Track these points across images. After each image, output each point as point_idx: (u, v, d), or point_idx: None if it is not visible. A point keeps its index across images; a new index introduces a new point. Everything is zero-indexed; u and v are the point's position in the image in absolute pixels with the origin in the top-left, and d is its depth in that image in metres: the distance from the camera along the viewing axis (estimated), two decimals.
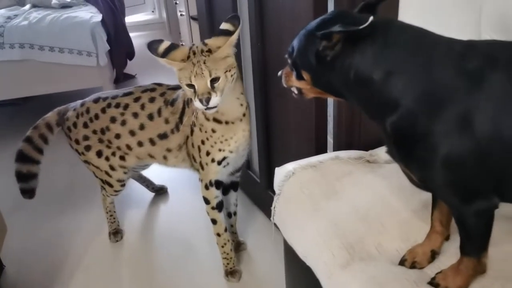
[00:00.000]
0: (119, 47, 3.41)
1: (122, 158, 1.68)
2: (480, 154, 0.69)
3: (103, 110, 1.61)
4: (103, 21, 3.01)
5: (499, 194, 0.73)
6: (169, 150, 1.59)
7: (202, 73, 1.25)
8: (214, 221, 1.63)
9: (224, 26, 1.32)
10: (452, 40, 0.74)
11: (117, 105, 1.60)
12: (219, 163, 1.50)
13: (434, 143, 0.70)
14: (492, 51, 0.72)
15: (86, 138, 1.67)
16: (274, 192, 1.24)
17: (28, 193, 1.82)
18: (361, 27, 0.69)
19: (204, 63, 1.25)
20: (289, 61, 0.86)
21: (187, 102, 1.49)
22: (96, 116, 1.63)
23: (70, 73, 2.93)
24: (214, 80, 1.26)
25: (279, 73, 0.92)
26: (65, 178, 2.46)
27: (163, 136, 1.56)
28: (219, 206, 1.61)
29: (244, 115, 1.46)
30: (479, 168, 0.70)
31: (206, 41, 1.32)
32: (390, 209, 1.02)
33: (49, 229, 2.09)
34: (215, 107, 1.29)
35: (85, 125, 1.65)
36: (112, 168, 1.70)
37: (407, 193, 1.04)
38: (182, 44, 3.71)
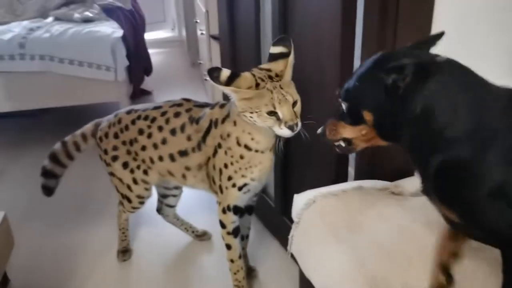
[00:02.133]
0: (138, 63, 3.41)
1: (145, 172, 1.65)
2: None
3: (133, 122, 1.60)
4: (123, 37, 3.02)
5: None
6: (188, 168, 1.55)
7: (286, 99, 1.21)
8: (229, 247, 1.58)
9: (277, 49, 1.28)
10: (501, 86, 0.76)
11: (146, 118, 1.58)
12: (240, 188, 1.45)
13: (483, 179, 0.69)
14: None
15: (115, 148, 1.65)
16: (289, 218, 1.19)
17: (47, 190, 1.86)
18: (437, 59, 0.73)
19: (281, 88, 1.21)
20: (344, 106, 0.85)
21: (215, 123, 1.44)
22: (127, 127, 1.61)
23: (88, 87, 2.93)
24: (294, 104, 1.23)
25: (319, 130, 0.91)
26: (76, 194, 2.43)
27: (183, 153, 1.52)
28: (235, 232, 1.56)
29: (273, 145, 1.42)
30: None
31: (264, 66, 1.28)
32: (417, 244, 0.97)
33: (56, 244, 2.05)
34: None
35: (116, 136, 1.64)
36: (134, 181, 1.67)
37: (435, 228, 0.98)
38: (200, 63, 3.73)
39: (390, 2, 1.17)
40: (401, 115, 0.77)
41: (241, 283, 1.64)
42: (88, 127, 1.79)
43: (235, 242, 1.57)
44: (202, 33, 3.45)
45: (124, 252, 1.93)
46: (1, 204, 1.73)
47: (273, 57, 1.28)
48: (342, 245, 1.00)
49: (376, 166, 1.34)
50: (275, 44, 1.29)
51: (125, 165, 1.66)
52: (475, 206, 0.71)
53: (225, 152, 1.42)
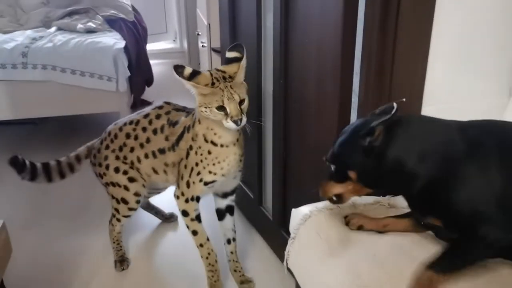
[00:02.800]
0: (139, 74, 3.44)
1: (138, 171, 1.75)
2: (493, 194, 0.86)
3: (120, 129, 1.75)
4: (126, 48, 3.05)
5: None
6: (166, 164, 1.68)
7: (233, 97, 1.38)
8: (195, 232, 1.69)
9: (231, 54, 1.46)
10: (456, 121, 0.95)
11: (131, 122, 1.73)
12: (206, 183, 1.59)
13: (455, 189, 0.87)
14: (486, 124, 0.94)
15: (106, 158, 1.77)
16: (286, 232, 1.21)
17: (31, 173, 1.92)
18: (392, 113, 0.91)
19: (231, 87, 1.39)
20: (332, 167, 1.01)
21: (188, 129, 1.58)
22: (116, 136, 1.75)
23: (89, 97, 2.95)
24: (241, 102, 1.41)
25: (320, 194, 1.06)
26: (74, 203, 2.44)
27: (162, 151, 1.67)
28: (198, 218, 1.68)
29: (237, 140, 1.55)
30: (496, 202, 0.86)
31: (221, 68, 1.46)
32: (409, 256, 0.98)
33: (54, 253, 2.06)
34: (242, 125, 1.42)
35: (107, 147, 1.77)
36: (131, 180, 1.76)
37: (427, 241, 1.01)
38: None
39: (389, 21, 1.20)
40: (379, 168, 0.94)
41: (214, 267, 1.73)
42: (81, 150, 1.92)
43: (200, 227, 1.69)
44: (203, 45, 3.48)
45: (122, 262, 1.94)
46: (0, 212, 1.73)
47: (228, 61, 1.46)
48: (337, 259, 1.01)
49: None
50: (230, 50, 1.48)
51: (116, 170, 1.76)
52: (454, 210, 0.88)
53: (196, 152, 1.56)
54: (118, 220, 1.87)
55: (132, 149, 1.72)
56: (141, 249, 2.09)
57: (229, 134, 1.51)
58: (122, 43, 3.04)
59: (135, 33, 3.53)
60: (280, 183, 1.81)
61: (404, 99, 1.02)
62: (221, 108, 1.39)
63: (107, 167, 1.77)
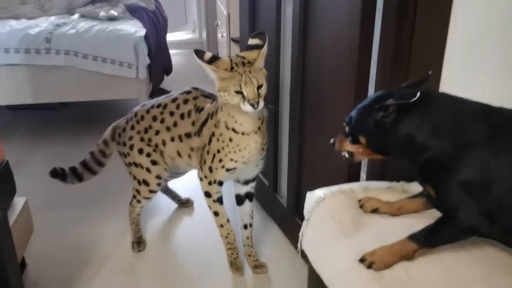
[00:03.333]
0: (158, 62, 3.48)
1: (161, 154, 1.80)
2: (486, 186, 0.87)
3: (148, 111, 1.79)
4: (146, 36, 3.09)
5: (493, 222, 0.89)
6: (191, 149, 1.72)
7: (251, 81, 1.41)
8: (216, 213, 1.75)
9: (253, 41, 1.49)
10: (483, 103, 0.95)
11: (159, 106, 1.77)
12: (228, 170, 1.63)
13: (455, 171, 0.90)
14: None
15: (130, 138, 1.82)
16: (300, 218, 1.24)
17: (62, 174, 2.01)
18: (411, 100, 0.92)
19: (250, 72, 1.42)
20: (347, 128, 1.06)
21: (211, 115, 1.62)
22: (142, 118, 1.79)
23: (109, 83, 3.01)
24: (259, 87, 1.43)
25: (332, 140, 1.12)
26: (94, 186, 2.49)
27: (188, 135, 1.71)
28: (220, 200, 1.73)
29: (259, 128, 1.57)
30: (484, 197, 0.88)
31: (241, 54, 1.49)
32: None
33: (74, 232, 2.12)
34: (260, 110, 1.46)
35: (132, 127, 1.82)
36: (153, 162, 1.81)
37: None
38: None
39: (407, 12, 1.21)
40: (388, 140, 0.99)
41: (233, 245, 1.80)
42: (107, 133, 1.98)
43: (221, 208, 1.74)
44: (222, 36, 3.51)
45: (139, 243, 1.99)
46: (22, 191, 1.79)
47: (249, 48, 1.49)
48: (349, 240, 1.04)
49: (386, 171, 1.38)
50: (252, 37, 1.50)
51: (140, 151, 1.80)
52: (447, 185, 0.91)
53: (217, 139, 1.59)
54: (138, 201, 1.92)
55: (157, 132, 1.76)
56: (158, 232, 2.14)
57: (250, 122, 1.53)
58: (142, 31, 3.09)
59: (156, 22, 3.57)
60: (295, 171, 1.84)
61: (430, 72, 1.05)
62: (239, 92, 1.42)
63: (131, 147, 1.81)
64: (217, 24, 3.83)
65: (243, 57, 1.46)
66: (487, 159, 0.88)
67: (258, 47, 1.47)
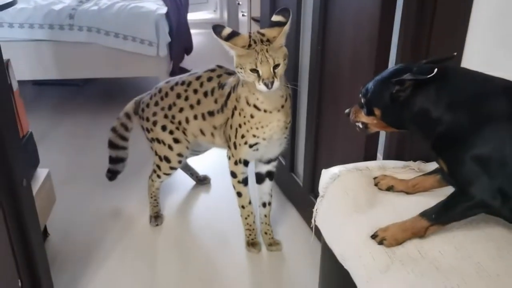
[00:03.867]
0: (179, 41, 3.50)
1: (183, 132, 1.81)
2: (500, 165, 0.86)
3: (172, 88, 1.79)
4: (167, 14, 3.11)
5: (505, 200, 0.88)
6: (215, 127, 1.73)
7: (267, 60, 1.39)
8: (239, 194, 1.77)
9: (276, 18, 1.46)
10: (507, 80, 0.92)
11: (183, 83, 1.77)
12: (251, 146, 1.63)
13: (470, 144, 0.88)
14: None
15: (154, 114, 1.82)
16: (316, 197, 1.24)
17: (112, 173, 2.13)
18: (427, 76, 0.91)
19: (267, 51, 1.39)
20: (362, 100, 1.06)
21: (233, 88, 1.61)
22: (166, 94, 1.80)
23: (130, 60, 3.04)
24: (275, 67, 1.41)
25: (347, 110, 1.12)
26: None
27: (211, 114, 1.71)
28: (245, 181, 1.75)
29: (282, 106, 1.56)
30: (498, 173, 0.86)
31: (261, 31, 1.46)
32: None
33: (95, 205, 2.17)
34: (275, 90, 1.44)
35: (156, 104, 1.82)
36: (176, 141, 1.83)
37: None
38: None
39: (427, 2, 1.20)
40: (402, 114, 0.98)
41: (251, 226, 1.83)
42: (129, 106, 1.98)
43: (245, 190, 1.77)
44: (243, 15, 3.50)
45: (156, 218, 2.04)
46: (44, 163, 1.83)
47: (271, 24, 1.46)
48: (362, 216, 1.04)
49: (403, 153, 1.37)
50: (276, 13, 1.47)
51: (163, 128, 1.81)
52: (461, 161, 0.90)
53: (239, 114, 1.59)
54: (159, 176, 1.95)
55: (181, 110, 1.76)
56: (175, 208, 2.18)
57: (272, 100, 1.53)
58: (164, 9, 3.10)
59: (177, 1, 3.58)
60: (312, 150, 1.85)
61: (455, 53, 1.04)
62: (254, 70, 1.41)
63: (154, 123, 1.82)
64: (238, 3, 3.81)
65: (263, 34, 1.43)
66: (507, 137, 0.86)
67: (280, 24, 1.44)
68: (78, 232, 1.99)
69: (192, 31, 4.02)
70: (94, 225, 2.03)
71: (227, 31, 1.43)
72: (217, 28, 1.42)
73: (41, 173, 1.77)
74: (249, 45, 1.41)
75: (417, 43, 1.26)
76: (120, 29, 2.94)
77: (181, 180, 2.35)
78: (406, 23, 1.25)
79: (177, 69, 3.68)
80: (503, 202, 0.88)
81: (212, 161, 2.47)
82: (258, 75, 1.41)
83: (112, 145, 2.05)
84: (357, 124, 1.10)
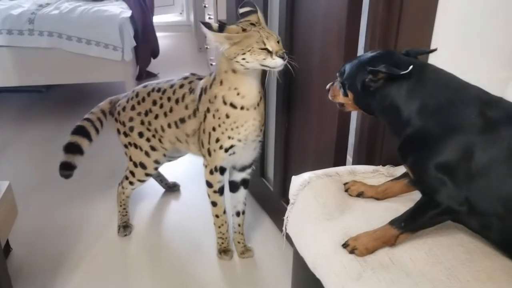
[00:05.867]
0: (145, 45, 3.44)
1: (160, 140, 1.77)
2: (466, 175, 0.86)
3: (149, 94, 1.75)
4: (132, 18, 3.04)
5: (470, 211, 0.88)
6: (187, 135, 1.69)
7: (272, 35, 1.40)
8: (214, 204, 1.74)
9: (245, 9, 1.48)
10: (483, 90, 0.92)
11: (159, 90, 1.73)
12: (226, 150, 1.59)
13: (435, 152, 0.88)
14: None
15: (131, 119, 1.78)
16: (287, 202, 1.23)
17: (68, 169, 1.92)
18: (401, 73, 0.90)
19: (264, 28, 1.41)
20: (339, 79, 1.05)
21: (205, 90, 1.58)
22: (143, 99, 1.76)
23: (94, 65, 2.96)
24: (278, 42, 1.41)
25: (328, 86, 1.10)
26: (81, 169, 2.47)
27: (182, 121, 1.68)
28: (221, 190, 1.71)
29: (258, 104, 1.55)
30: (465, 184, 0.87)
31: (241, 20, 1.46)
32: None
33: (60, 216, 2.10)
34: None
35: (133, 108, 1.78)
36: (153, 148, 1.79)
37: None
38: (207, 48, 3.75)
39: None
40: (371, 103, 0.98)
41: (224, 235, 1.80)
42: (104, 105, 1.91)
43: (221, 199, 1.73)
44: (210, 18, 3.47)
45: (125, 227, 1.98)
46: (6, 175, 1.76)
47: (245, 15, 1.48)
48: (333, 224, 1.03)
49: (373, 156, 1.37)
50: (241, 7, 1.50)
51: (140, 134, 1.78)
52: (424, 165, 0.90)
53: (213, 115, 1.55)
54: (131, 183, 1.90)
55: (156, 117, 1.72)
56: (144, 216, 2.13)
57: (252, 94, 1.51)
58: (128, 13, 3.04)
59: (142, 4, 3.52)
60: (282, 154, 1.83)
61: (437, 48, 1.03)
62: (263, 48, 1.38)
63: (131, 129, 1.78)
64: (205, 6, 3.78)
65: (248, 20, 1.44)
66: (477, 150, 0.85)
67: (253, 12, 1.46)
68: (44, 244, 1.92)
69: (158, 34, 3.96)
70: (61, 236, 1.96)
71: (215, 25, 1.40)
72: (206, 24, 1.39)
73: (1, 185, 1.70)
74: (244, 29, 1.40)
75: (385, 41, 1.25)
76: (83, 33, 2.86)
77: (150, 188, 2.30)
78: (373, 24, 1.25)
79: (144, 73, 3.62)
80: (470, 212, 0.88)
81: (181, 167, 2.43)
82: (268, 51, 1.38)
83: (80, 131, 1.88)
84: (335, 101, 1.10)
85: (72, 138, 1.89)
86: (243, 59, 1.40)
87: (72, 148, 1.90)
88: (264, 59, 1.39)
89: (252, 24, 1.41)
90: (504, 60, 1.27)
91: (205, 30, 1.38)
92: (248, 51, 1.38)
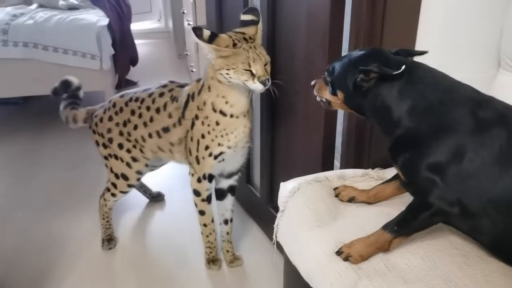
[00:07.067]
0: (124, 53, 3.38)
1: (141, 150, 1.72)
2: (457, 176, 0.85)
3: (126, 104, 1.70)
4: (109, 26, 2.99)
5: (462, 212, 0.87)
6: (172, 144, 1.64)
7: (260, 58, 1.36)
8: (202, 212, 1.69)
9: (247, 17, 1.43)
10: (474, 90, 0.92)
11: (137, 99, 1.68)
12: (216, 157, 1.55)
13: (426, 152, 0.87)
14: (506, 112, 0.88)
15: (109, 130, 1.73)
16: (274, 208, 1.21)
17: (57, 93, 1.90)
18: (394, 72, 0.88)
19: (255, 48, 1.36)
20: (328, 78, 1.01)
21: (192, 97, 1.54)
22: (121, 109, 1.71)
23: (72, 75, 2.87)
24: (265, 65, 1.38)
25: (312, 82, 1.07)
26: (61, 183, 2.41)
27: (166, 130, 1.63)
28: (209, 199, 1.67)
29: (248, 111, 1.52)
30: (456, 185, 0.85)
31: (238, 30, 1.42)
32: None
33: (40, 232, 2.03)
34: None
35: (110, 118, 1.73)
36: (134, 159, 1.75)
37: None
38: (187, 54, 3.71)
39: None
40: (363, 103, 0.96)
41: (213, 244, 1.76)
42: (81, 112, 1.84)
43: (209, 208, 1.69)
44: (189, 24, 3.43)
45: (109, 241, 1.93)
46: None
47: (245, 24, 1.43)
48: (326, 231, 1.01)
49: (361, 159, 1.36)
50: (244, 13, 1.44)
51: (120, 146, 1.73)
52: (414, 167, 0.89)
53: (202, 123, 1.51)
54: (113, 195, 1.85)
55: (136, 127, 1.67)
56: (129, 228, 2.07)
57: (241, 103, 1.48)
58: (105, 21, 2.98)
59: (119, 11, 3.46)
60: (268, 160, 1.81)
61: (428, 51, 1.00)
62: (247, 70, 1.36)
63: (110, 140, 1.73)
64: (183, 12, 3.74)
65: (243, 33, 1.39)
66: (468, 150, 0.84)
67: (254, 22, 1.41)
68: (24, 262, 1.85)
69: (137, 41, 3.91)
70: (41, 253, 1.90)
71: (207, 33, 1.36)
72: (197, 31, 1.35)
73: None
74: (234, 44, 1.36)
75: (370, 44, 1.24)
76: (59, 43, 2.79)
77: (134, 199, 2.25)
78: (357, 25, 1.23)
79: (123, 82, 3.56)
80: (461, 213, 0.87)
81: (164, 176, 2.38)
82: (252, 74, 1.35)
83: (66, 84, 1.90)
84: (319, 99, 1.06)
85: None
86: (227, 74, 1.38)
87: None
88: (246, 80, 1.37)
89: (245, 39, 1.37)
90: (489, 59, 1.27)
91: (194, 37, 1.35)
92: (233, 68, 1.36)
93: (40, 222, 2.09)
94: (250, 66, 1.35)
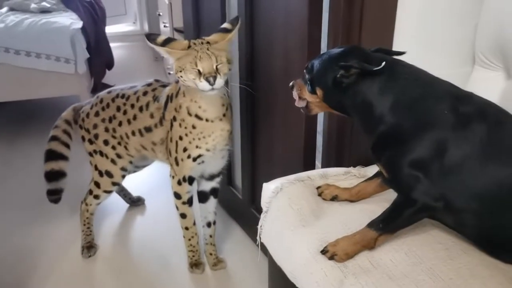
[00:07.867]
0: (99, 56, 3.33)
1: (125, 148, 1.71)
2: (440, 171, 0.85)
3: (113, 100, 1.68)
4: (83, 29, 2.94)
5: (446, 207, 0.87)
6: (154, 143, 1.63)
7: (209, 57, 1.33)
8: (183, 215, 1.67)
9: (224, 25, 1.43)
10: (454, 85, 0.93)
11: (123, 96, 1.67)
12: (194, 159, 1.54)
13: (409, 149, 0.87)
14: (486, 107, 0.89)
15: (95, 126, 1.71)
16: (257, 210, 1.20)
17: (56, 194, 1.87)
18: (375, 68, 0.88)
19: (208, 49, 1.34)
20: (307, 76, 1.00)
21: (171, 98, 1.53)
22: (108, 105, 1.69)
23: (46, 80, 2.83)
24: (219, 64, 1.35)
25: (291, 83, 1.06)
26: (39, 189, 2.35)
27: (148, 130, 1.62)
28: (190, 201, 1.66)
29: (224, 115, 1.51)
30: (439, 181, 0.86)
31: (205, 38, 1.40)
32: None
33: (17, 240, 1.98)
34: (218, 89, 1.36)
35: (97, 114, 1.71)
36: (119, 156, 1.73)
37: None
38: (163, 57, 3.68)
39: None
40: (343, 100, 0.95)
41: (195, 247, 1.75)
42: (68, 114, 1.84)
43: (190, 211, 1.67)
44: (165, 26, 3.40)
45: (89, 248, 1.89)
46: None
47: (218, 30, 1.42)
48: (310, 230, 1.01)
49: (342, 157, 1.36)
50: (227, 22, 1.45)
51: (105, 142, 1.71)
52: (396, 164, 0.89)
53: (180, 125, 1.50)
54: (96, 196, 1.81)
55: (120, 123, 1.66)
56: (109, 235, 2.03)
57: (215, 108, 1.47)
58: (79, 23, 2.93)
59: (93, 14, 3.41)
60: (249, 161, 1.80)
61: (406, 51, 0.99)
62: (194, 68, 1.34)
63: (96, 136, 1.71)
64: (159, 14, 3.70)
65: (203, 39, 1.39)
66: (450, 146, 0.85)
67: (225, 30, 1.41)
68: (2, 270, 1.80)
69: (112, 44, 3.85)
70: (18, 261, 1.85)
71: (162, 37, 1.37)
72: (150, 36, 1.36)
73: None
74: (189, 47, 1.35)
75: (348, 42, 1.24)
76: (31, 47, 2.73)
77: (114, 204, 2.21)
78: (335, 23, 1.23)
79: (99, 86, 3.49)
80: (446, 208, 0.87)
81: (144, 180, 2.35)
82: (199, 73, 1.33)
83: (52, 156, 1.81)
84: (299, 102, 1.05)
85: (48, 167, 1.82)
86: (181, 76, 1.37)
87: (53, 175, 1.83)
88: (194, 79, 1.34)
89: (202, 42, 1.36)
90: (463, 56, 1.29)
91: (148, 42, 1.36)
92: (183, 69, 1.35)
93: (17, 230, 2.04)
94: (196, 65, 1.33)
